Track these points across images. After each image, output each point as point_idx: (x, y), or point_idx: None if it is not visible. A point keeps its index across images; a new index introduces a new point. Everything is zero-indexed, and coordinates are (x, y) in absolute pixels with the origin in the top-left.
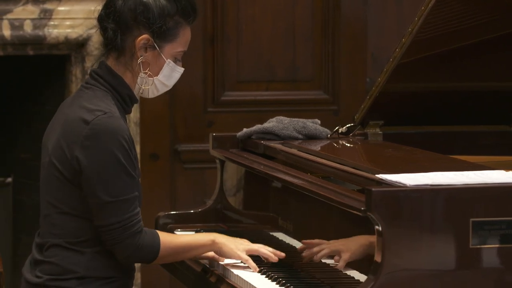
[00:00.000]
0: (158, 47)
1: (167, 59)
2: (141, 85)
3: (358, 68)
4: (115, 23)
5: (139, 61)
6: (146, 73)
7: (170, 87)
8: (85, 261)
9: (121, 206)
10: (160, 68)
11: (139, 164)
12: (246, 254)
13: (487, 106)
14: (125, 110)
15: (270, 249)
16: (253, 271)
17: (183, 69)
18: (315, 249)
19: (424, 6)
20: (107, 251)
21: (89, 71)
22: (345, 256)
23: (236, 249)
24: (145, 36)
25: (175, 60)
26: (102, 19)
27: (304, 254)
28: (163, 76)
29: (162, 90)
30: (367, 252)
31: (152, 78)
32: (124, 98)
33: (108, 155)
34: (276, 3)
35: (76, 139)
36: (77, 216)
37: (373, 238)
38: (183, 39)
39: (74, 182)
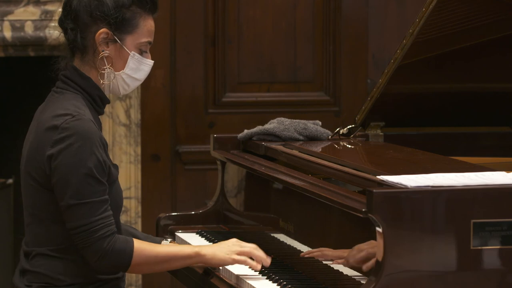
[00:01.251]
0: (119, 40)
1: (130, 51)
2: (105, 81)
3: (359, 69)
4: (73, 23)
5: (100, 56)
6: (110, 68)
7: (141, 80)
8: (71, 269)
9: (86, 209)
10: (125, 61)
11: (140, 165)
12: (234, 263)
13: (488, 108)
14: (97, 112)
15: (258, 256)
16: (254, 270)
17: (152, 61)
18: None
19: (425, 8)
20: None
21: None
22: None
23: (228, 254)
24: (103, 30)
25: (141, 52)
26: (62, 22)
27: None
28: (130, 70)
29: (133, 84)
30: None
31: (118, 73)
32: (95, 99)
33: (74, 158)
34: (277, 4)
35: (46, 145)
36: (56, 222)
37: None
38: (144, 29)
39: (48, 187)
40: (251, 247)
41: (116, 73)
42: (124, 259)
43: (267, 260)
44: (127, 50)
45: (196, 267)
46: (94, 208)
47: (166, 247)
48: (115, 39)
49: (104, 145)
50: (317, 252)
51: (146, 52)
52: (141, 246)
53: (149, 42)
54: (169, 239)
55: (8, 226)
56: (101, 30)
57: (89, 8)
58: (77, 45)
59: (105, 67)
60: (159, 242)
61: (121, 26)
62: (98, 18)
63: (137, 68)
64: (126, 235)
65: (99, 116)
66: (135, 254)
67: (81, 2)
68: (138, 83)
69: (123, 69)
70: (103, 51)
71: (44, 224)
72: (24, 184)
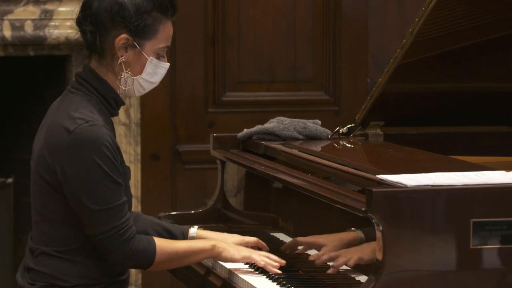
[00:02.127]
0: (138, 45)
1: (149, 57)
2: (123, 86)
3: (359, 69)
4: (93, 25)
5: (119, 62)
6: (128, 73)
7: (157, 83)
8: (76, 270)
9: (110, 214)
10: (143, 67)
11: (139, 164)
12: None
13: (488, 107)
14: (111, 114)
15: (268, 258)
16: (259, 265)
17: (168, 64)
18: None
19: (425, 7)
20: (98, 257)
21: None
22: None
23: (238, 253)
24: (123, 35)
25: (158, 57)
26: (80, 22)
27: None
28: (146, 74)
29: (149, 87)
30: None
31: (135, 78)
32: (110, 101)
33: (91, 165)
34: (277, 4)
35: (58, 148)
36: (64, 224)
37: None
38: (164, 34)
39: (59, 189)
40: (258, 254)
41: (133, 77)
42: (148, 258)
43: (271, 268)
44: (146, 56)
45: (196, 267)
46: (117, 212)
47: (184, 243)
48: (135, 44)
49: (118, 150)
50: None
51: (163, 56)
52: (162, 244)
53: (167, 47)
54: (196, 226)
55: (8, 225)
56: (122, 36)
57: (110, 13)
58: (95, 48)
59: (123, 72)
60: (187, 230)
61: (141, 32)
62: (119, 23)
63: (154, 72)
64: (154, 227)
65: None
66: (158, 253)
67: (101, 5)
68: (154, 86)
69: (140, 74)
70: (122, 56)
71: (52, 225)
72: (33, 182)
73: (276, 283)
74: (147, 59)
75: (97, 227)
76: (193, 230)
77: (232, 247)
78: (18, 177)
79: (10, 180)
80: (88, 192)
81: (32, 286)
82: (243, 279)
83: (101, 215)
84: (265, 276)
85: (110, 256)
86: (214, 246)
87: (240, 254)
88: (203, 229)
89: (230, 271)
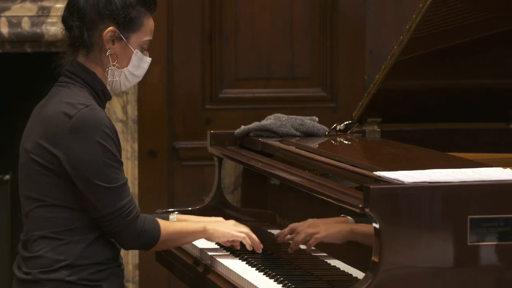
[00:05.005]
0: (125, 38)
1: (134, 49)
2: (111, 78)
3: (356, 66)
4: (80, 20)
5: (107, 54)
6: (114, 65)
7: (141, 77)
8: (72, 250)
9: (117, 193)
10: (129, 59)
11: (136, 161)
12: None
13: (486, 104)
14: (100, 106)
15: (253, 239)
16: (256, 250)
17: (150, 59)
18: (296, 237)
19: (422, 4)
20: (95, 239)
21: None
22: (319, 236)
23: (228, 230)
24: (111, 28)
25: (142, 50)
26: (67, 19)
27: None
28: (132, 67)
29: (134, 81)
30: (345, 238)
31: (121, 70)
32: (99, 93)
33: (96, 146)
34: (275, 0)
35: (59, 133)
36: (63, 207)
37: (355, 226)
38: (147, 27)
39: (59, 174)
40: (246, 233)
41: (120, 70)
42: (154, 237)
43: (260, 245)
44: (132, 48)
45: (195, 265)
46: (123, 191)
47: (180, 224)
48: (121, 37)
49: (116, 132)
50: (287, 230)
51: (146, 50)
52: (164, 223)
53: (150, 40)
54: (176, 212)
55: (6, 222)
56: (109, 28)
57: (97, 7)
58: (83, 42)
59: (110, 65)
60: (167, 218)
61: (127, 25)
62: (106, 16)
63: (138, 66)
64: None
65: None
66: (162, 233)
67: (88, 0)
68: (138, 80)
69: (127, 67)
70: (110, 48)
71: (51, 208)
72: (26, 172)
73: (273, 279)
74: (133, 52)
75: (105, 208)
76: (172, 217)
77: (221, 226)
78: (16, 174)
79: (7, 176)
80: (96, 173)
81: (27, 276)
82: (241, 277)
83: (109, 194)
84: (263, 273)
85: (119, 236)
86: (204, 228)
87: (230, 233)
88: (182, 214)
89: (228, 269)
